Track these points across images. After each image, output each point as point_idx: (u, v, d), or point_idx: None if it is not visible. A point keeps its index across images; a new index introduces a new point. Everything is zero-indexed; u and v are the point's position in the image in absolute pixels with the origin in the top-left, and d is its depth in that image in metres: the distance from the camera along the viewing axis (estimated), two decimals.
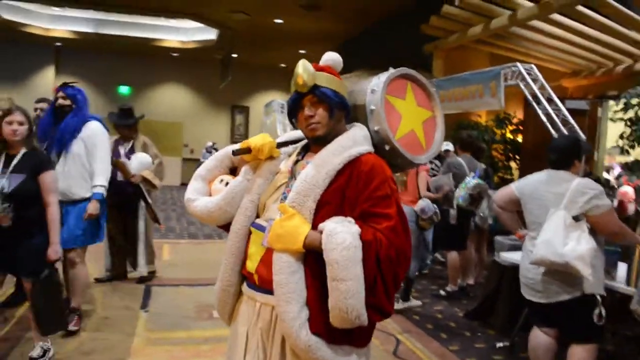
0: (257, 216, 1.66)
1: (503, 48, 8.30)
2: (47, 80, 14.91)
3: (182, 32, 14.33)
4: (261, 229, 1.59)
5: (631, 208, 3.33)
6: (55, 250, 2.94)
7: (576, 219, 2.64)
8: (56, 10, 13.34)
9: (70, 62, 15.36)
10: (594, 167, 6.63)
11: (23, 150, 2.98)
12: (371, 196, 1.50)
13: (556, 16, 6.63)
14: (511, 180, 7.22)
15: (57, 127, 3.57)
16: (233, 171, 1.80)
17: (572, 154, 2.85)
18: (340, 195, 1.53)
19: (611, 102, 6.62)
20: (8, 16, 12.75)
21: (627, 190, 3.39)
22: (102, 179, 3.63)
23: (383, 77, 1.65)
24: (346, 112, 1.65)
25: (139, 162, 4.64)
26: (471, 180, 4.83)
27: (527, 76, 5.84)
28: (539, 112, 5.73)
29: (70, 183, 3.53)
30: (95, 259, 4.87)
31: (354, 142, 1.58)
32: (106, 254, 4.92)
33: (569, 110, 5.78)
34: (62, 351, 3.27)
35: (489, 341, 3.94)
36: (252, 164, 1.71)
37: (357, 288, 1.40)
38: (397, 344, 3.78)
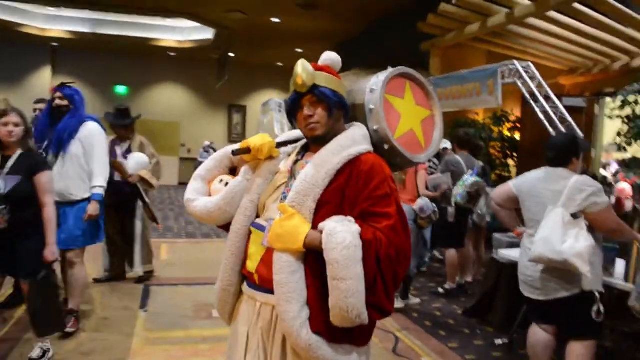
0: (257, 216, 1.66)
1: (500, 46, 8.32)
2: (43, 81, 14.88)
3: (179, 32, 14.31)
4: (261, 228, 1.59)
5: (628, 205, 3.34)
6: (51, 251, 2.93)
7: (574, 216, 2.65)
8: (52, 11, 13.31)
9: (67, 62, 15.33)
10: (591, 164, 6.65)
11: (19, 152, 2.97)
12: (371, 195, 1.50)
13: (553, 14, 6.64)
14: (509, 178, 7.26)
15: (54, 128, 3.56)
16: (232, 171, 1.80)
17: (570, 151, 2.85)
18: (340, 195, 1.53)
19: (608, 100, 6.63)
20: (4, 16, 12.73)
21: (625, 187, 3.40)
22: (101, 180, 3.63)
23: (382, 76, 1.66)
24: (345, 112, 1.65)
25: (136, 162, 4.64)
26: (469, 178, 4.84)
27: (524, 74, 5.86)
28: (537, 109, 5.74)
29: (68, 184, 3.52)
30: (93, 259, 4.87)
31: (353, 141, 1.58)
32: (104, 254, 4.92)
33: (566, 107, 5.79)
34: (61, 352, 3.26)
35: (487, 338, 3.95)
36: (251, 164, 1.71)
37: (358, 287, 1.40)
38: (397, 341, 3.79)
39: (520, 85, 5.86)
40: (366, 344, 1.60)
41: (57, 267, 3.52)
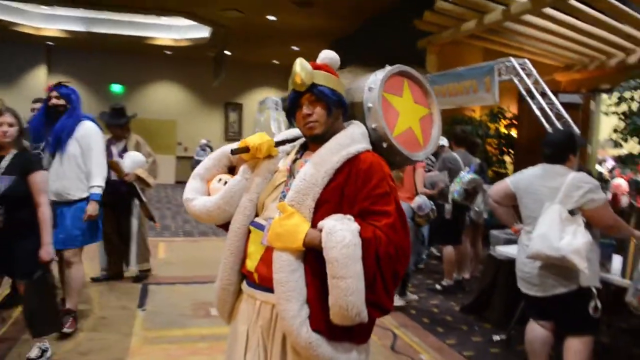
0: (256, 215, 1.66)
1: (497, 43, 8.33)
2: (39, 80, 14.82)
3: (175, 30, 14.26)
4: (260, 227, 1.60)
5: (624, 200, 3.36)
6: (47, 251, 2.92)
7: (572, 213, 2.66)
8: (47, 9, 13.25)
9: (62, 61, 15.27)
10: (588, 160, 6.67)
11: (13, 152, 2.96)
12: (370, 194, 1.51)
13: (549, 10, 6.66)
14: (505, 175, 7.27)
15: (51, 128, 3.54)
16: (231, 170, 1.80)
17: (567, 148, 2.86)
18: (339, 194, 1.53)
19: (604, 96, 6.66)
20: None
21: (621, 182, 3.41)
22: (99, 180, 3.62)
23: (380, 74, 1.66)
24: (344, 110, 1.66)
25: (132, 161, 4.63)
26: (466, 175, 4.84)
27: (520, 71, 5.87)
28: (533, 106, 5.75)
29: (65, 184, 3.51)
30: (90, 259, 4.86)
31: (352, 140, 1.59)
32: (102, 253, 4.92)
33: (562, 104, 5.81)
34: (60, 352, 3.26)
35: (485, 335, 3.96)
36: (250, 163, 1.71)
37: (357, 285, 1.41)
38: (395, 338, 3.80)
39: (516, 82, 5.87)
40: (366, 342, 1.61)
41: (55, 267, 3.51)
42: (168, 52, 15.38)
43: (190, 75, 16.37)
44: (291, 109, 1.63)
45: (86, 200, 3.56)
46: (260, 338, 1.60)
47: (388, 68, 1.69)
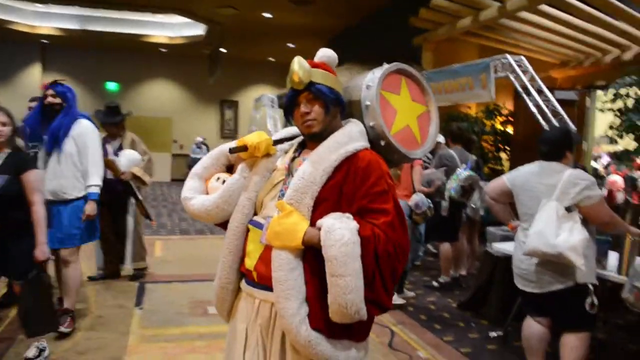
0: (255, 214, 1.66)
1: (492, 40, 8.34)
2: (33, 78, 14.75)
3: (170, 28, 14.21)
4: (259, 226, 1.60)
5: (620, 197, 3.37)
6: (42, 251, 2.89)
7: (568, 209, 2.67)
8: (41, 7, 13.17)
9: (57, 59, 15.20)
10: (583, 156, 6.69)
11: (7, 151, 2.94)
12: (368, 192, 1.51)
13: (545, 7, 6.67)
14: (501, 172, 7.29)
15: (47, 126, 3.53)
16: (229, 169, 1.80)
17: (564, 145, 2.87)
18: (338, 192, 1.53)
19: (599, 92, 6.67)
20: None
21: (616, 179, 3.43)
22: (96, 179, 3.60)
23: (378, 72, 1.66)
24: (342, 108, 1.65)
25: (128, 159, 4.61)
26: (463, 172, 4.85)
27: (516, 68, 5.88)
28: (529, 103, 5.77)
29: (62, 183, 3.50)
30: (87, 257, 4.84)
31: (349, 138, 1.59)
32: (98, 252, 4.90)
33: (558, 100, 5.83)
34: (57, 351, 3.26)
35: (482, 331, 3.97)
36: (248, 162, 1.71)
37: (356, 283, 1.41)
38: (392, 335, 3.81)
39: (512, 79, 5.88)
40: (365, 339, 1.61)
41: (52, 267, 3.50)
42: (163, 50, 15.32)
43: (185, 72, 16.33)
44: (289, 107, 1.63)
45: (83, 199, 3.55)
46: (259, 336, 1.60)
47: (386, 66, 1.69)
